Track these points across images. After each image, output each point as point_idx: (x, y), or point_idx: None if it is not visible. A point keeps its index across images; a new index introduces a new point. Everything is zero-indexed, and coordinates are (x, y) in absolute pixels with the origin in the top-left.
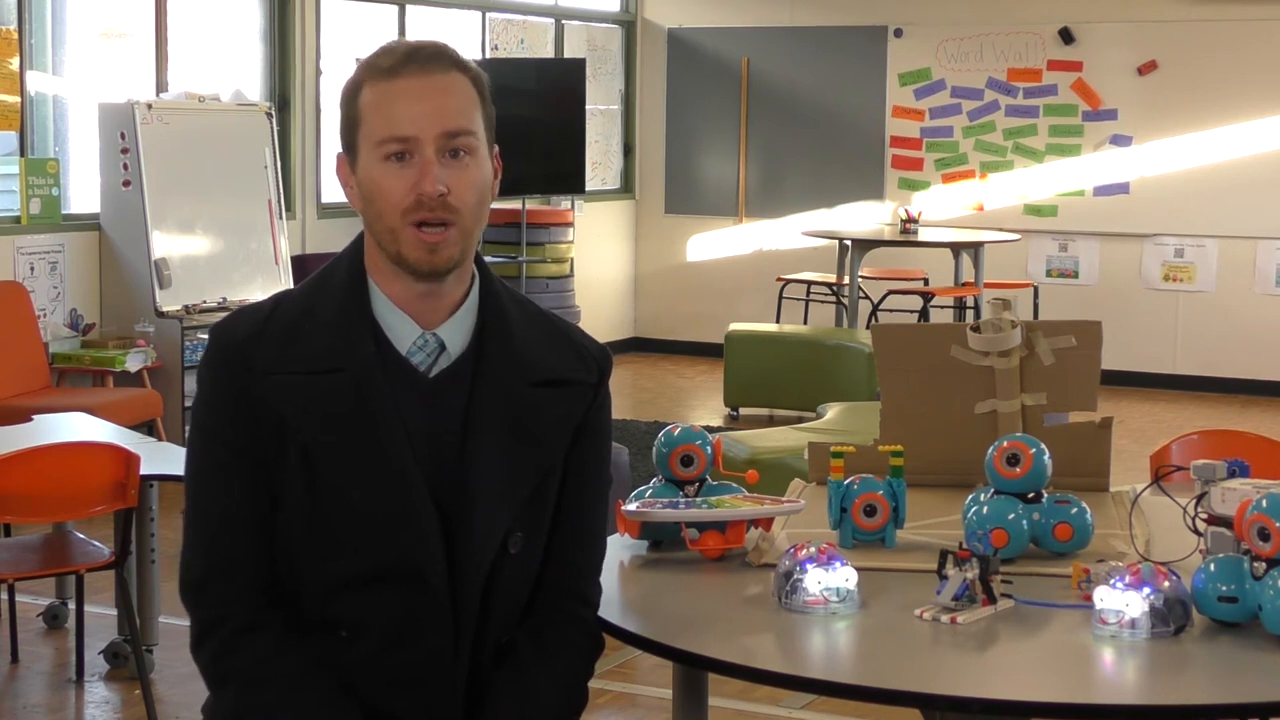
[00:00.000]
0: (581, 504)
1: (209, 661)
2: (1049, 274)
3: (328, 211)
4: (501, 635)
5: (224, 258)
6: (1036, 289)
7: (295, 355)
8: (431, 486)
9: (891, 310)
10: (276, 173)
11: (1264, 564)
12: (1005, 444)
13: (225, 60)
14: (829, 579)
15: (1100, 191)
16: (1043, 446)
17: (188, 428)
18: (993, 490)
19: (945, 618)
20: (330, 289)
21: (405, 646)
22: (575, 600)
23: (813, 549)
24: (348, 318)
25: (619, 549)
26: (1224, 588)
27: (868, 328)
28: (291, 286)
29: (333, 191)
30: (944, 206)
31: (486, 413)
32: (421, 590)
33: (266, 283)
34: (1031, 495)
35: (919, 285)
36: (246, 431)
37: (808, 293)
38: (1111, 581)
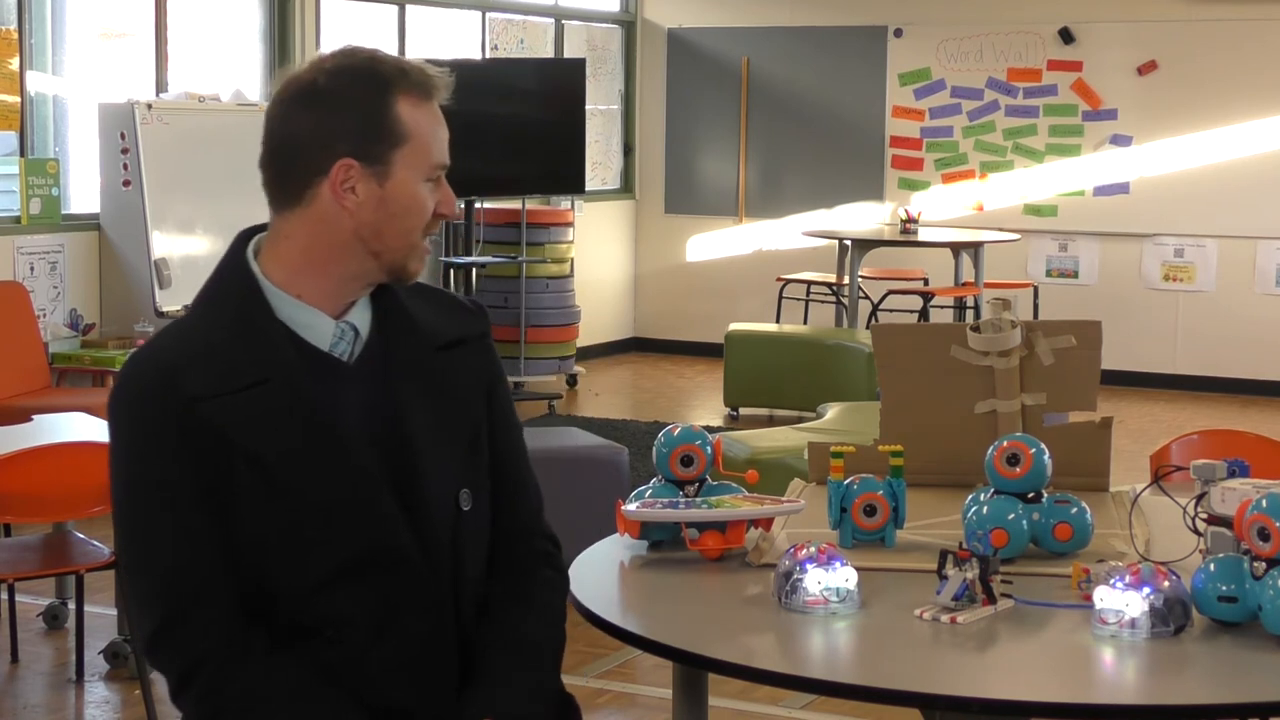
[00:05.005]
0: (513, 451)
1: (196, 702)
2: (1049, 274)
3: None
4: (476, 596)
5: None
6: (1036, 289)
7: (219, 376)
8: (380, 467)
9: (891, 310)
10: None
11: (1264, 564)
12: (1005, 444)
13: (225, 60)
14: (829, 579)
15: (1100, 191)
16: (1043, 446)
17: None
18: (993, 490)
19: (945, 618)
20: (228, 306)
21: (392, 630)
22: (539, 538)
23: (813, 549)
24: (256, 329)
25: (619, 549)
26: (1224, 588)
27: (868, 328)
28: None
29: None
30: (944, 206)
31: (408, 383)
32: (397, 570)
33: None
34: (1031, 495)
35: (919, 285)
36: (187, 462)
37: (808, 293)
38: (1111, 581)
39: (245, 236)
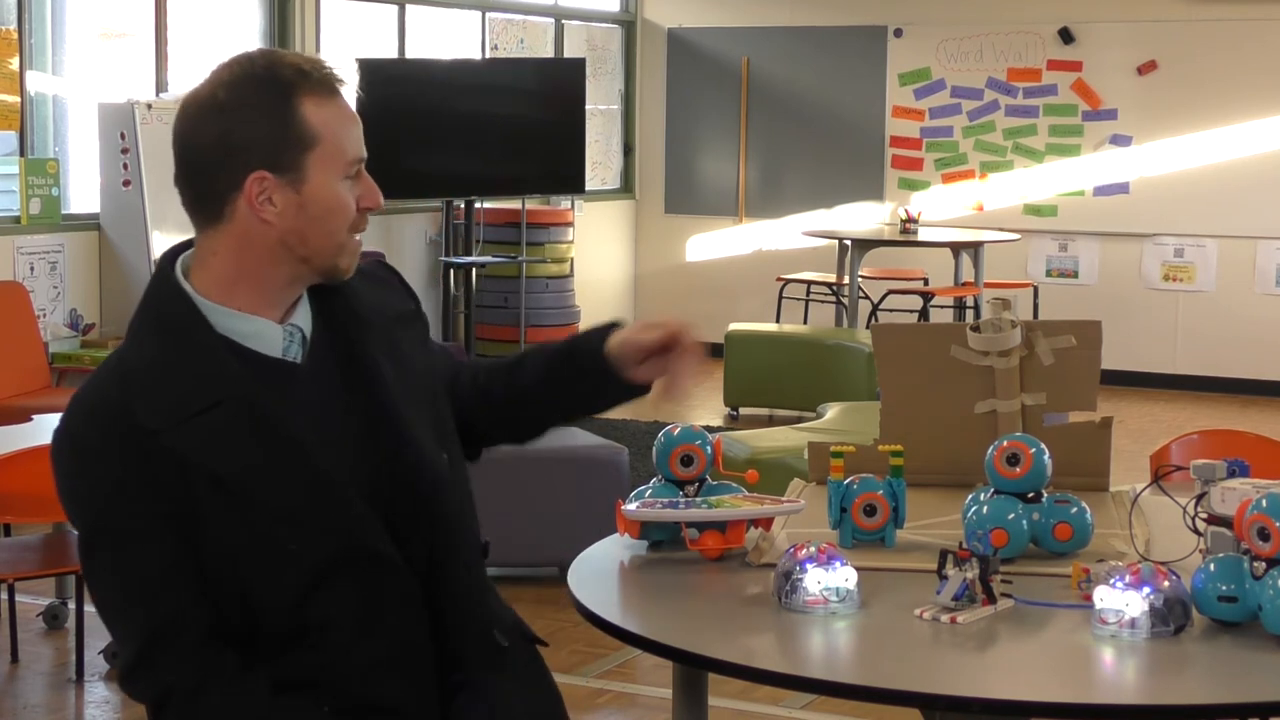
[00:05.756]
0: (459, 365)
1: None
2: (1049, 274)
3: None
4: (475, 547)
5: None
6: (1036, 289)
7: (170, 405)
8: (356, 450)
9: (891, 310)
10: None
11: (1264, 564)
12: (1005, 444)
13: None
14: (829, 579)
15: (1100, 191)
16: (1043, 446)
17: (75, 525)
18: (993, 490)
19: (945, 618)
20: (166, 331)
21: (375, 627)
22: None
23: (813, 549)
24: (199, 348)
25: (619, 549)
26: (1224, 588)
27: (868, 328)
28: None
29: None
30: (944, 206)
31: (377, 360)
32: (375, 568)
33: None
34: (1031, 495)
35: (919, 285)
36: (150, 495)
37: (808, 293)
38: (1111, 581)
39: (170, 257)
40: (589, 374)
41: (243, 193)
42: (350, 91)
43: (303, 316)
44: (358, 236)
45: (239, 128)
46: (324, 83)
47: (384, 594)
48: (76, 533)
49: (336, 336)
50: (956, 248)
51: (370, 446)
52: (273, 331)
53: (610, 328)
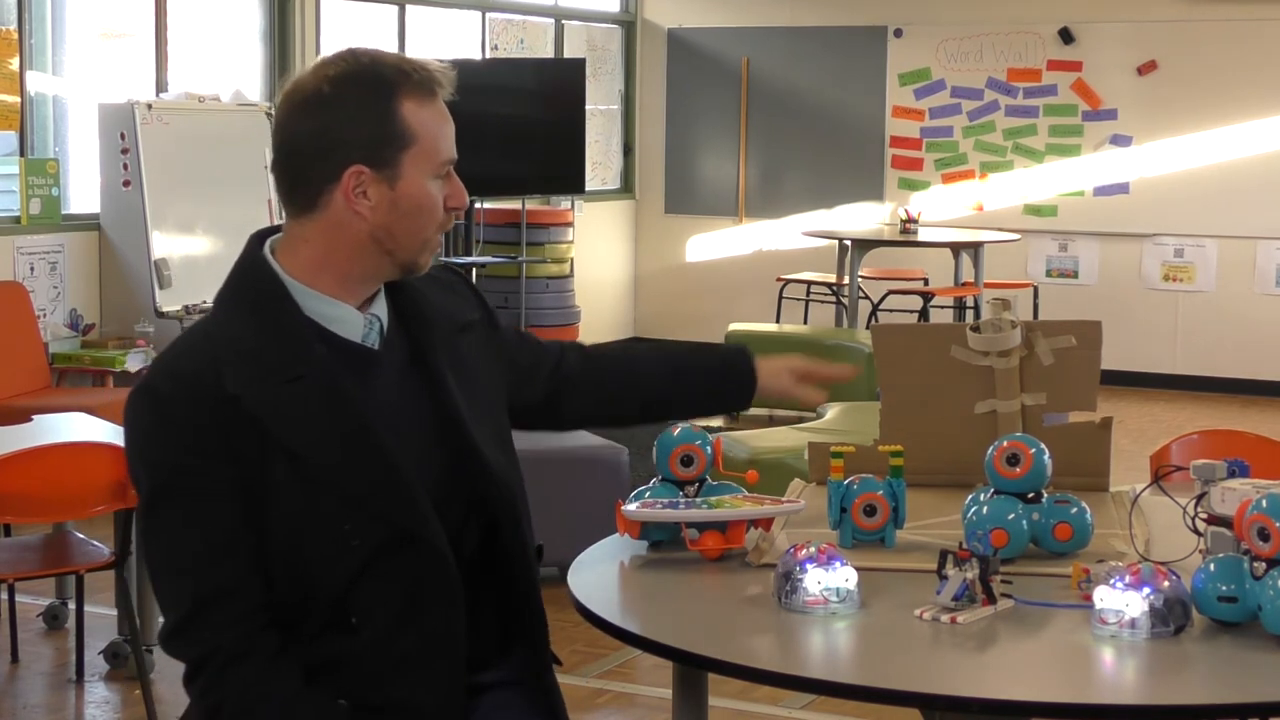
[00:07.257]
0: (538, 345)
1: (198, 696)
2: (1049, 274)
3: None
4: (531, 548)
5: (224, 258)
6: (1036, 289)
7: (253, 375)
8: (424, 443)
9: (891, 310)
10: None
11: (1264, 564)
12: (1005, 444)
13: (225, 60)
14: (829, 579)
15: (1100, 191)
16: (1043, 446)
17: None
18: (993, 490)
19: (945, 618)
20: (254, 306)
21: (415, 620)
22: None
23: (813, 549)
24: (284, 326)
25: (619, 549)
26: (1224, 588)
27: (868, 328)
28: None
29: None
30: (944, 206)
31: (444, 365)
32: (424, 559)
33: None
34: (1031, 495)
35: (919, 285)
36: (222, 460)
37: (808, 293)
38: (1111, 581)
39: (260, 238)
40: (730, 395)
41: (340, 185)
42: (447, 93)
43: (380, 308)
44: (440, 235)
45: (341, 122)
46: (424, 84)
47: (428, 588)
48: (140, 491)
49: (407, 332)
50: (956, 248)
51: (437, 443)
52: (354, 317)
53: (746, 356)
